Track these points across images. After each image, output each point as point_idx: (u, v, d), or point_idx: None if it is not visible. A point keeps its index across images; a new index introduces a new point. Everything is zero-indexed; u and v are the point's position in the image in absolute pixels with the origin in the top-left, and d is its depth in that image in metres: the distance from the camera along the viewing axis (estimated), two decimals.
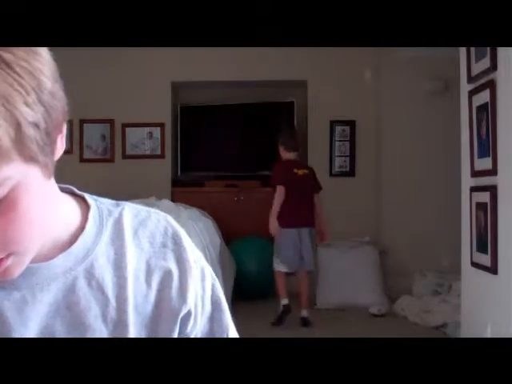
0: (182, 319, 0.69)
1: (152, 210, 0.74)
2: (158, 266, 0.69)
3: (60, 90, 0.58)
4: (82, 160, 5.37)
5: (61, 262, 0.64)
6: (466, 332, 2.91)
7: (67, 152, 5.21)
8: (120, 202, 0.73)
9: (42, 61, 0.54)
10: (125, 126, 5.37)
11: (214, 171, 5.45)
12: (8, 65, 0.50)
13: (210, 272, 0.74)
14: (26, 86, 0.52)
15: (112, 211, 0.70)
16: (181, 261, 0.70)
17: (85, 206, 0.70)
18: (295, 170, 4.26)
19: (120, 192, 4.67)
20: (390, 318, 4.26)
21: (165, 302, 0.68)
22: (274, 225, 4.09)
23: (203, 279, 0.73)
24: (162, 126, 5.41)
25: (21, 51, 0.52)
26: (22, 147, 0.51)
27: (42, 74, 0.54)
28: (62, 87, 0.58)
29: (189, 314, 0.69)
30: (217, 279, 0.76)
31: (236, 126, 5.49)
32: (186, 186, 5.35)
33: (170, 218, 0.74)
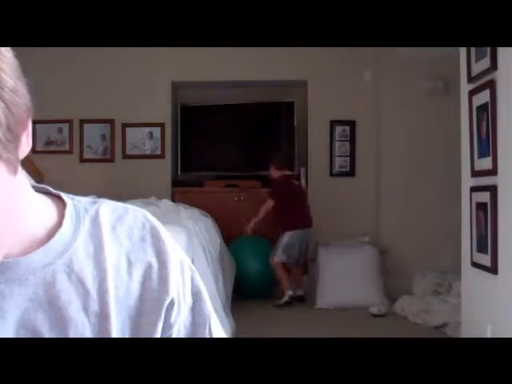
0: (165, 311, 0.70)
1: (129, 206, 0.75)
2: (138, 259, 0.70)
3: (23, 88, 0.58)
4: (82, 160, 5.37)
5: (39, 256, 0.64)
6: (466, 332, 2.91)
7: (67, 152, 5.19)
8: (97, 200, 0.74)
9: (3, 59, 0.55)
10: (125, 126, 5.37)
11: (214, 171, 5.45)
12: None
13: (188, 264, 0.75)
14: None
15: (88, 209, 0.71)
16: (160, 254, 0.71)
17: (61, 204, 0.70)
18: (294, 182, 4.94)
19: (120, 192, 4.68)
20: (389, 318, 4.26)
21: (147, 294, 0.69)
22: (249, 227, 4.84)
23: (182, 271, 0.73)
24: (162, 126, 5.41)
25: None
26: None
27: (3, 71, 0.55)
28: (25, 85, 0.59)
29: (172, 303, 0.70)
30: (195, 271, 0.77)
31: (236, 126, 5.49)
32: (186, 185, 5.35)
33: (148, 214, 0.75)
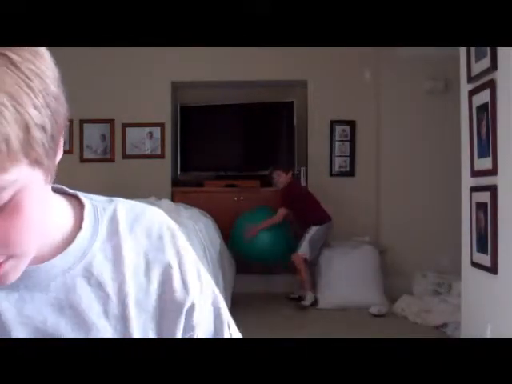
0: (187, 311, 0.70)
1: (145, 204, 0.74)
2: (157, 259, 0.69)
3: (62, 95, 0.58)
4: (82, 160, 5.37)
5: (59, 262, 0.64)
6: (466, 332, 2.91)
7: (67, 152, 5.20)
8: (113, 198, 0.73)
9: (47, 64, 0.54)
10: (125, 125, 5.37)
11: (214, 171, 5.45)
12: (16, 66, 0.50)
13: (197, 260, 0.76)
14: (34, 89, 0.51)
15: (106, 208, 0.70)
16: (179, 253, 0.71)
17: (78, 205, 0.70)
18: (302, 184, 5.08)
19: (120, 192, 4.66)
20: (390, 318, 4.26)
21: (167, 295, 0.69)
22: (254, 231, 4.65)
23: (198, 271, 0.74)
24: (162, 126, 5.41)
25: (26, 52, 0.51)
26: (29, 150, 0.51)
27: (48, 77, 0.54)
28: (64, 92, 0.58)
29: (193, 305, 0.70)
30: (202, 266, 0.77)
31: (236, 126, 5.49)
32: (186, 185, 5.35)
33: (163, 212, 0.75)
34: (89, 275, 0.65)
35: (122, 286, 0.67)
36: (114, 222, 0.69)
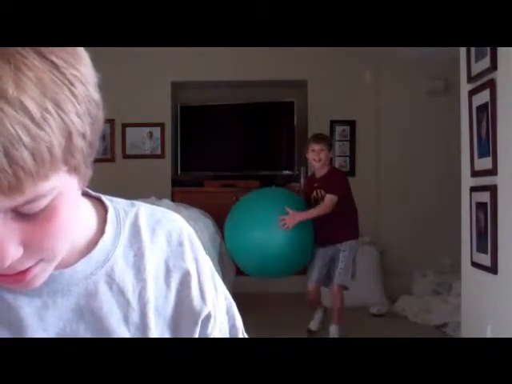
0: (202, 321, 0.70)
1: (164, 209, 0.74)
2: (176, 266, 0.69)
3: (101, 101, 0.57)
4: None
5: (81, 267, 0.64)
6: (466, 332, 2.91)
7: None
8: (135, 202, 0.73)
9: (88, 70, 0.54)
10: (125, 125, 5.37)
11: (214, 171, 5.44)
12: (61, 72, 0.49)
13: (213, 268, 0.76)
14: (77, 96, 0.51)
15: (128, 212, 0.70)
16: (198, 261, 0.71)
17: (101, 208, 0.69)
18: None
19: (120, 192, 4.66)
20: (390, 318, 4.26)
21: (185, 303, 0.68)
22: (293, 220, 3.42)
23: (213, 277, 0.74)
24: (162, 125, 5.41)
25: (69, 57, 0.51)
26: (69, 157, 0.50)
27: (89, 83, 0.54)
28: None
29: (209, 315, 0.70)
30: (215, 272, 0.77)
31: (236, 126, 5.49)
32: (186, 185, 5.35)
33: (182, 218, 0.74)
34: (111, 281, 0.65)
35: (143, 292, 0.66)
36: (136, 226, 0.69)
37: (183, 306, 0.68)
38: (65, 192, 0.53)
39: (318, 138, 3.66)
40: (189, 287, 0.69)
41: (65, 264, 0.62)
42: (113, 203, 0.70)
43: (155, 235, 0.69)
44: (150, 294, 0.66)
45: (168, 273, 0.68)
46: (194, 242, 0.72)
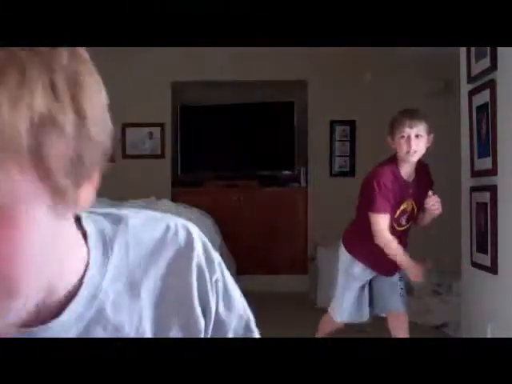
0: (213, 328, 0.67)
1: (162, 215, 0.66)
2: (174, 284, 0.62)
3: (109, 120, 0.52)
4: None
5: (68, 316, 0.55)
6: (466, 332, 2.91)
7: None
8: (122, 215, 0.63)
9: (98, 95, 0.52)
10: (125, 125, 5.37)
11: (214, 171, 5.45)
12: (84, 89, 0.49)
13: (219, 261, 0.68)
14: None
15: (116, 231, 0.61)
16: (201, 275, 0.64)
17: (82, 230, 0.59)
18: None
19: (120, 192, 4.67)
20: None
21: (185, 322, 0.64)
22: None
23: (217, 290, 0.68)
24: (162, 126, 5.41)
25: (88, 76, 0.50)
26: (39, 158, 0.44)
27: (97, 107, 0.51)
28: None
29: (222, 321, 0.68)
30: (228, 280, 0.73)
31: (236, 126, 5.49)
32: (186, 185, 5.35)
33: (184, 222, 0.66)
34: (104, 321, 0.58)
35: (140, 321, 0.60)
36: (125, 246, 0.60)
37: (184, 328, 0.64)
38: (28, 203, 0.44)
39: (412, 114, 2.55)
40: (190, 308, 0.63)
41: (49, 312, 0.54)
42: (96, 224, 0.60)
43: (147, 251, 0.61)
44: (146, 323, 0.61)
45: (166, 292, 0.62)
46: (205, 250, 0.65)
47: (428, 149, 2.63)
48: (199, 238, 0.65)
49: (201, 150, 5.44)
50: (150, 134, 5.43)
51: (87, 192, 0.52)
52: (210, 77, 5.27)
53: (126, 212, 0.64)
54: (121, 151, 5.41)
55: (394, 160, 2.65)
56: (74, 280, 0.56)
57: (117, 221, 0.62)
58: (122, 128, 5.38)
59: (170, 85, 5.39)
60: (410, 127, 2.53)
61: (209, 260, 0.65)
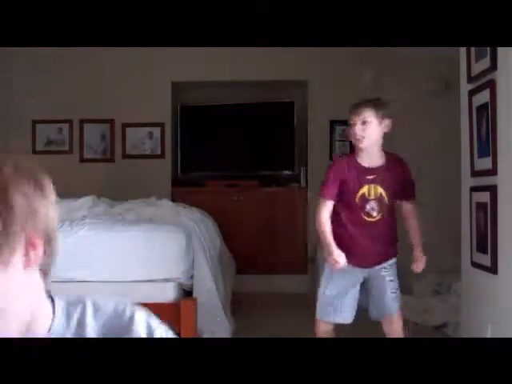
0: None
1: (114, 301, 0.73)
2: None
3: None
4: (82, 160, 5.37)
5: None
6: (466, 332, 2.90)
7: (67, 152, 5.20)
8: (80, 299, 0.73)
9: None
10: (125, 125, 5.38)
11: (214, 171, 5.45)
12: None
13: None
14: None
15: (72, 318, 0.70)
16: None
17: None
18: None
19: (120, 192, 4.68)
20: None
21: None
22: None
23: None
24: (162, 126, 5.41)
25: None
26: None
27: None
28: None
29: None
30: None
31: (236, 126, 5.49)
32: (186, 185, 5.35)
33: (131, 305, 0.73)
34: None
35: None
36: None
37: None
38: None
39: (360, 102, 2.60)
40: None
41: None
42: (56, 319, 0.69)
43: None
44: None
45: None
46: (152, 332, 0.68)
47: (386, 134, 2.58)
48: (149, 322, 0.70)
49: (201, 150, 5.44)
50: (150, 133, 5.43)
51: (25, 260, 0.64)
52: (210, 77, 5.27)
53: (85, 297, 0.73)
54: (121, 151, 5.41)
55: (354, 150, 2.65)
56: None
57: (76, 302, 0.72)
58: (122, 128, 5.38)
59: (170, 85, 5.39)
60: (356, 114, 2.54)
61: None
